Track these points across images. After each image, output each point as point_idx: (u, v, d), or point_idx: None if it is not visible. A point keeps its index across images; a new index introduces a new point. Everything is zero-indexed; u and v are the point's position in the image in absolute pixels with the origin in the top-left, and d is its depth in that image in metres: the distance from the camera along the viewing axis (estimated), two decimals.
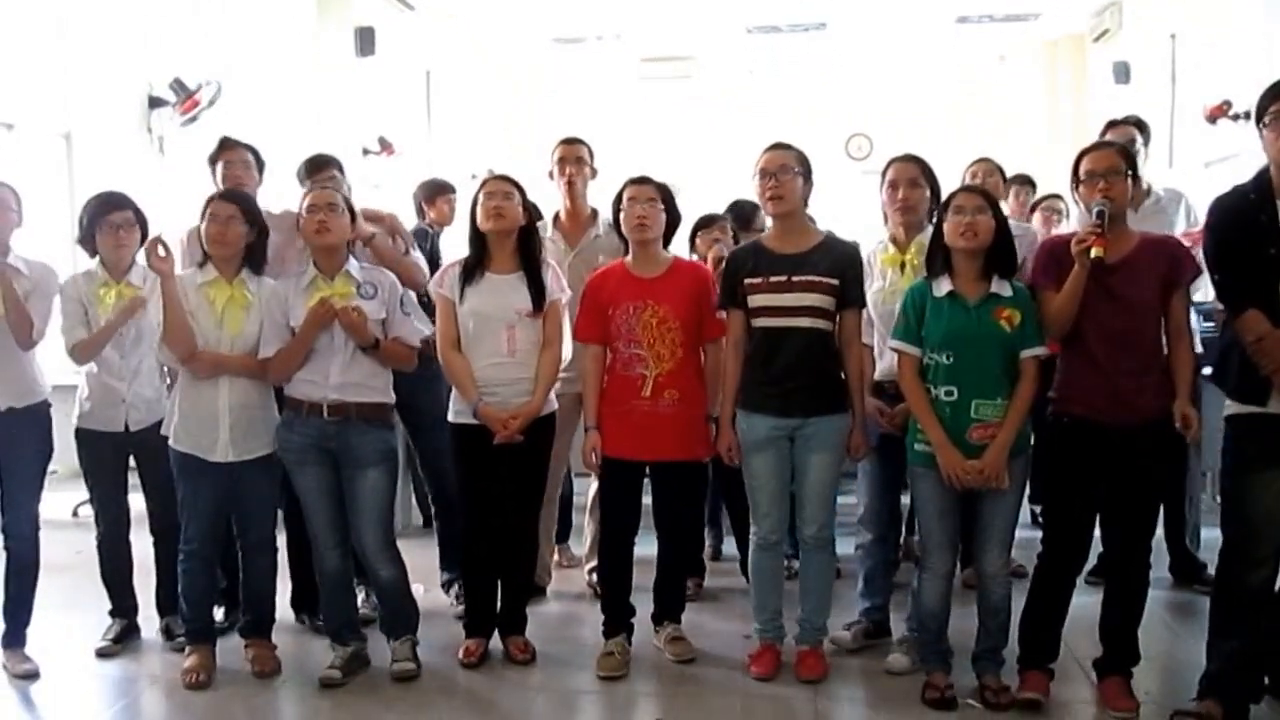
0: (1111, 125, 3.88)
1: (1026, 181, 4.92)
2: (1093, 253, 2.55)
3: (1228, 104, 6.17)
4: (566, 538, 4.19)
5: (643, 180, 3.13)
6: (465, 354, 3.10)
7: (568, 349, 3.24)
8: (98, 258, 3.23)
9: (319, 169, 3.56)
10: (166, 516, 3.23)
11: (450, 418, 3.17)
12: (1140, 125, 3.85)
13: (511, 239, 3.11)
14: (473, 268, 3.12)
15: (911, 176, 3.06)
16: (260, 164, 3.56)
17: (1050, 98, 9.74)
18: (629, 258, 3.16)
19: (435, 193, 4.83)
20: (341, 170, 3.64)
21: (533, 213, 3.26)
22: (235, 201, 3.07)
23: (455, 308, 3.11)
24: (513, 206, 3.10)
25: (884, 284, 3.06)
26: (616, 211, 3.14)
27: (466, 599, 3.30)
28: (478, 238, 3.13)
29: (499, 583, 3.23)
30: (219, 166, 3.49)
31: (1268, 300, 2.50)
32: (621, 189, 3.15)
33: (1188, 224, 3.79)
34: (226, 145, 3.53)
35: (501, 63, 9.82)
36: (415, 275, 3.41)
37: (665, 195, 3.13)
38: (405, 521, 4.57)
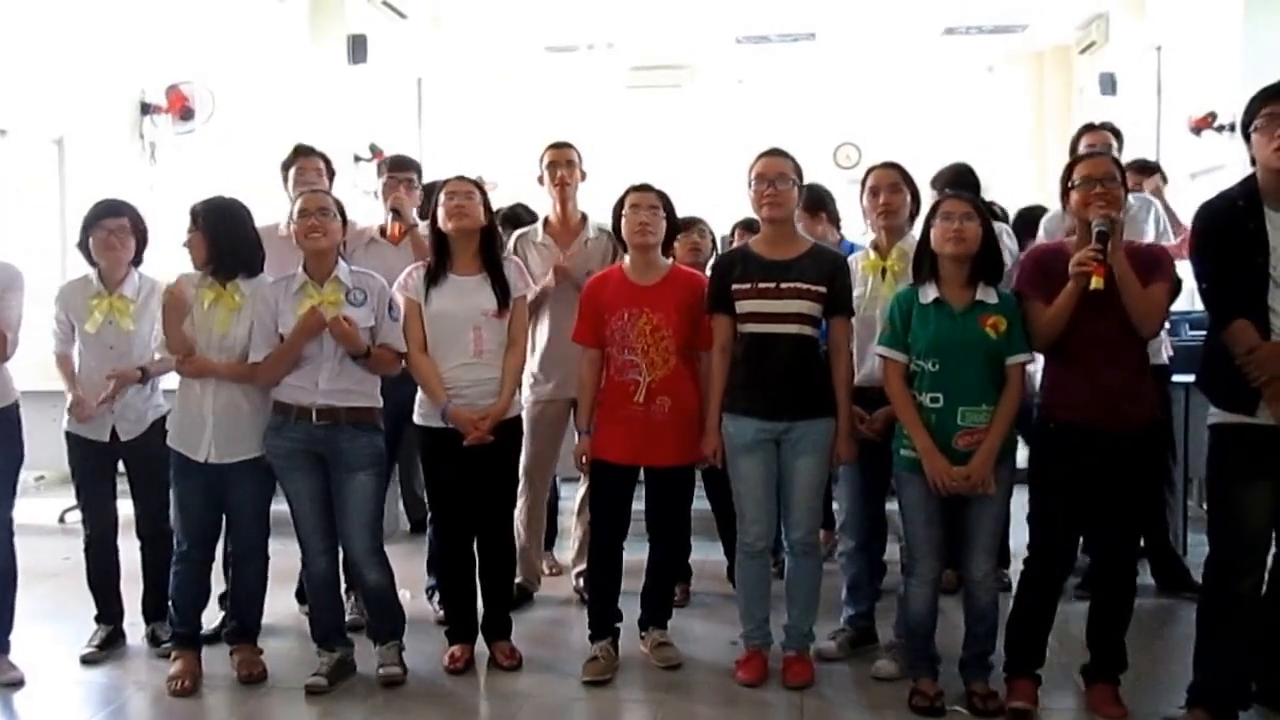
0: (1088, 129, 3.85)
1: (1144, 169, 4.48)
2: (1092, 284, 2.55)
3: (1212, 115, 6.22)
4: (552, 544, 4.18)
5: (645, 188, 3.15)
6: (432, 356, 3.11)
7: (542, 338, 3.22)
8: (95, 268, 3.23)
9: (401, 168, 3.72)
10: (154, 522, 3.22)
11: (416, 420, 3.17)
12: (1116, 132, 3.82)
13: (474, 240, 3.12)
14: (436, 270, 3.12)
15: (892, 182, 3.09)
16: (331, 172, 3.67)
17: (1038, 108, 9.81)
18: (627, 264, 3.18)
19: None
20: (419, 173, 3.78)
21: (494, 214, 3.27)
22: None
23: (421, 310, 3.11)
24: (474, 205, 3.11)
25: (864, 290, 3.08)
26: (617, 217, 3.15)
27: (445, 604, 3.30)
28: (439, 239, 3.14)
29: (480, 588, 3.22)
30: (291, 172, 3.59)
31: (1256, 310, 2.50)
32: (623, 195, 3.16)
33: (1157, 232, 3.79)
34: (301, 152, 3.63)
35: (493, 71, 9.84)
36: None
37: (666, 204, 3.16)
38: (392, 528, 4.56)
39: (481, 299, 3.09)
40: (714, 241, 3.91)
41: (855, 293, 3.06)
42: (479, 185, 3.17)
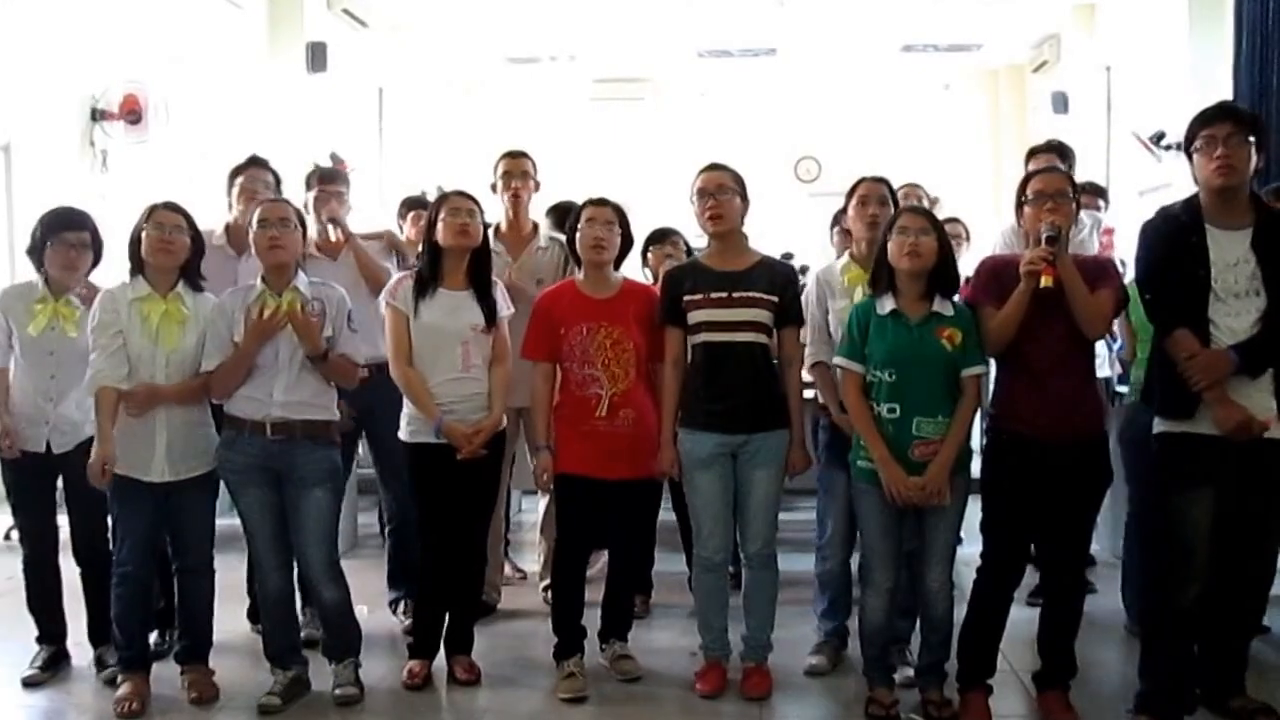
0: (1034, 153, 3.96)
1: (1091, 190, 4.54)
2: (1042, 282, 2.62)
3: (1160, 134, 6.38)
4: (505, 553, 4.15)
5: (602, 202, 3.15)
6: (419, 369, 3.08)
7: None
8: (42, 273, 3.15)
9: (331, 181, 3.65)
10: (92, 544, 3.11)
11: (404, 438, 3.13)
12: (1062, 151, 3.92)
13: (467, 255, 3.11)
14: (426, 282, 3.10)
15: (882, 195, 3.14)
16: (278, 185, 3.58)
17: (993, 125, 10.00)
18: (580, 278, 3.17)
19: (415, 210, 4.81)
20: (348, 186, 3.69)
21: (485, 229, 3.27)
22: (180, 212, 3.01)
23: (409, 322, 3.09)
24: (476, 224, 3.11)
25: (850, 302, 3.03)
26: (573, 230, 3.15)
27: (417, 621, 3.25)
28: (434, 252, 3.12)
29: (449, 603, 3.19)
30: (239, 180, 3.51)
31: (1197, 320, 2.60)
32: (579, 208, 3.16)
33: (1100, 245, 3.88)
34: (253, 163, 3.56)
35: (454, 81, 9.81)
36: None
37: (622, 218, 3.16)
38: (350, 542, 4.50)
39: (470, 314, 3.08)
40: (688, 254, 3.93)
41: (840, 304, 3.06)
42: (477, 202, 3.16)
